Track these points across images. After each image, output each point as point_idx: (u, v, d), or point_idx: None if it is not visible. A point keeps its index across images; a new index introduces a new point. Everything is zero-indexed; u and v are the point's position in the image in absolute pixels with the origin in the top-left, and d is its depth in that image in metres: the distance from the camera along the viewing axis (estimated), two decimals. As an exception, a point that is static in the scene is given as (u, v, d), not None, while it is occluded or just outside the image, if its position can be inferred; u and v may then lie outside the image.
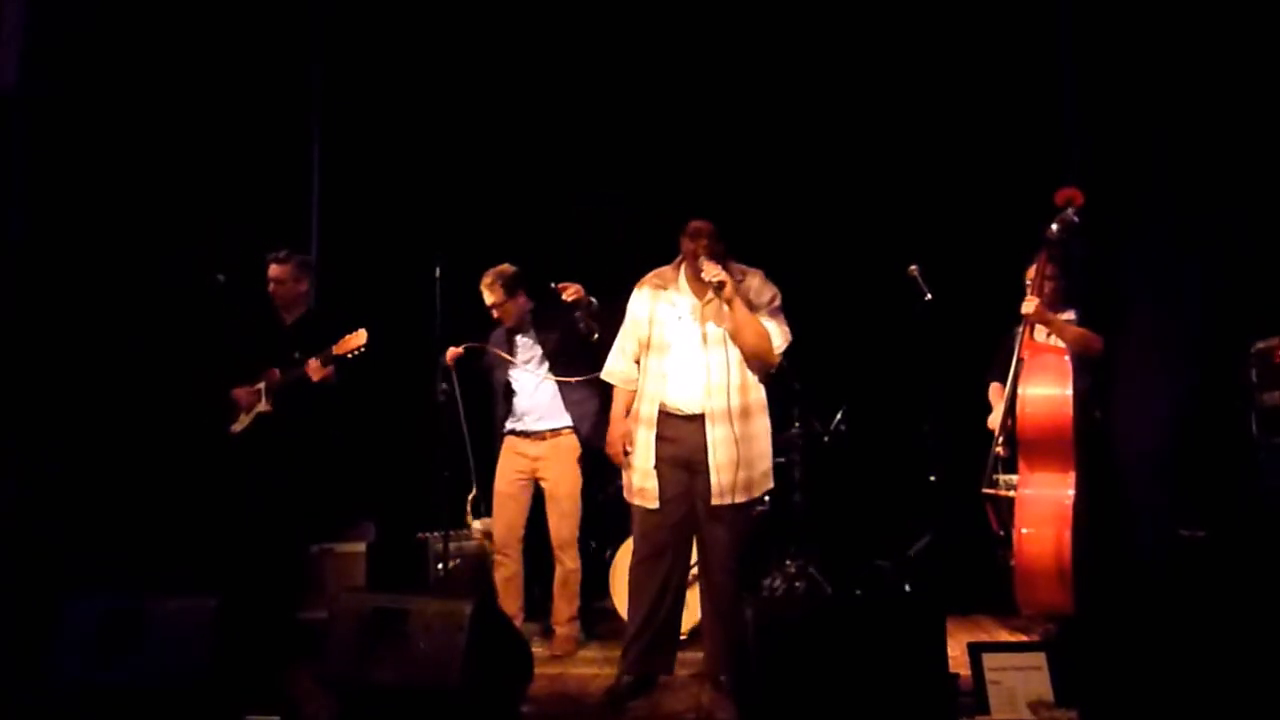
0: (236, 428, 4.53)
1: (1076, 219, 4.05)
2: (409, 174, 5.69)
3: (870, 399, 5.22)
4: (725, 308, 3.61)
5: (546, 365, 4.54)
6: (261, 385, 4.49)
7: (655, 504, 3.66)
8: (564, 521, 4.44)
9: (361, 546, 4.78)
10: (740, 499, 3.63)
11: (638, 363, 3.83)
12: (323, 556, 4.72)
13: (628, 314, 3.88)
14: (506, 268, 4.56)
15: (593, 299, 4.30)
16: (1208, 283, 3.91)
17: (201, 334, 4.68)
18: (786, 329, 3.73)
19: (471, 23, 5.57)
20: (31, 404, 4.18)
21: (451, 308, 4.67)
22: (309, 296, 4.67)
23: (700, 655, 3.90)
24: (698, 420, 3.63)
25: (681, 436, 3.66)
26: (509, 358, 4.59)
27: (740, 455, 3.62)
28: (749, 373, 3.69)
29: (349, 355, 4.28)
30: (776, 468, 5.04)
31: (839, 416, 5.07)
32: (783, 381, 5.01)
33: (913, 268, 4.57)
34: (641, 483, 3.69)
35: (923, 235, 5.09)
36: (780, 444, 5.14)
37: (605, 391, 4.13)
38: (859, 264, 5.34)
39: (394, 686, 3.01)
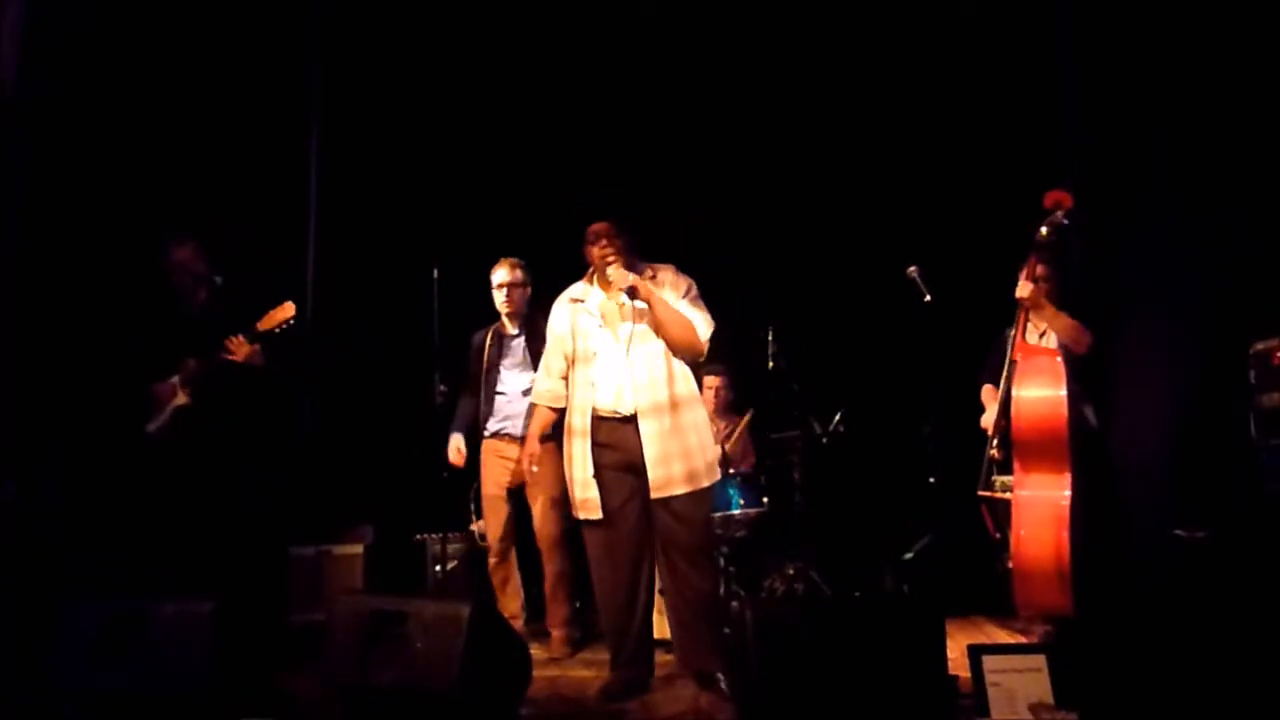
0: (152, 426, 4.23)
1: (1065, 221, 4.06)
2: (408, 174, 5.69)
3: (869, 400, 5.22)
4: (644, 307, 3.63)
5: (532, 372, 4.52)
6: (177, 379, 4.22)
7: (599, 514, 3.66)
8: (550, 523, 4.43)
9: (359, 549, 4.76)
10: (681, 490, 3.61)
11: (565, 380, 3.83)
12: (320, 559, 4.70)
13: (549, 333, 3.90)
14: (521, 260, 4.60)
15: None
16: (1207, 284, 3.90)
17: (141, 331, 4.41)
18: (708, 315, 3.73)
19: (471, 23, 5.55)
20: (31, 407, 4.16)
21: (449, 309, 4.67)
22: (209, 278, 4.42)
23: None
24: (631, 421, 3.63)
25: (617, 440, 3.65)
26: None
27: (675, 448, 3.61)
28: (675, 364, 3.70)
29: (277, 330, 4.12)
30: (776, 469, 5.10)
31: (838, 418, 5.06)
32: (781, 383, 5.01)
33: (912, 269, 4.56)
34: (583, 494, 3.69)
35: (922, 236, 5.09)
36: (779, 445, 5.16)
37: None
38: (858, 265, 5.33)
39: (393, 688, 3.01)
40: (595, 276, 3.81)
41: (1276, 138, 3.68)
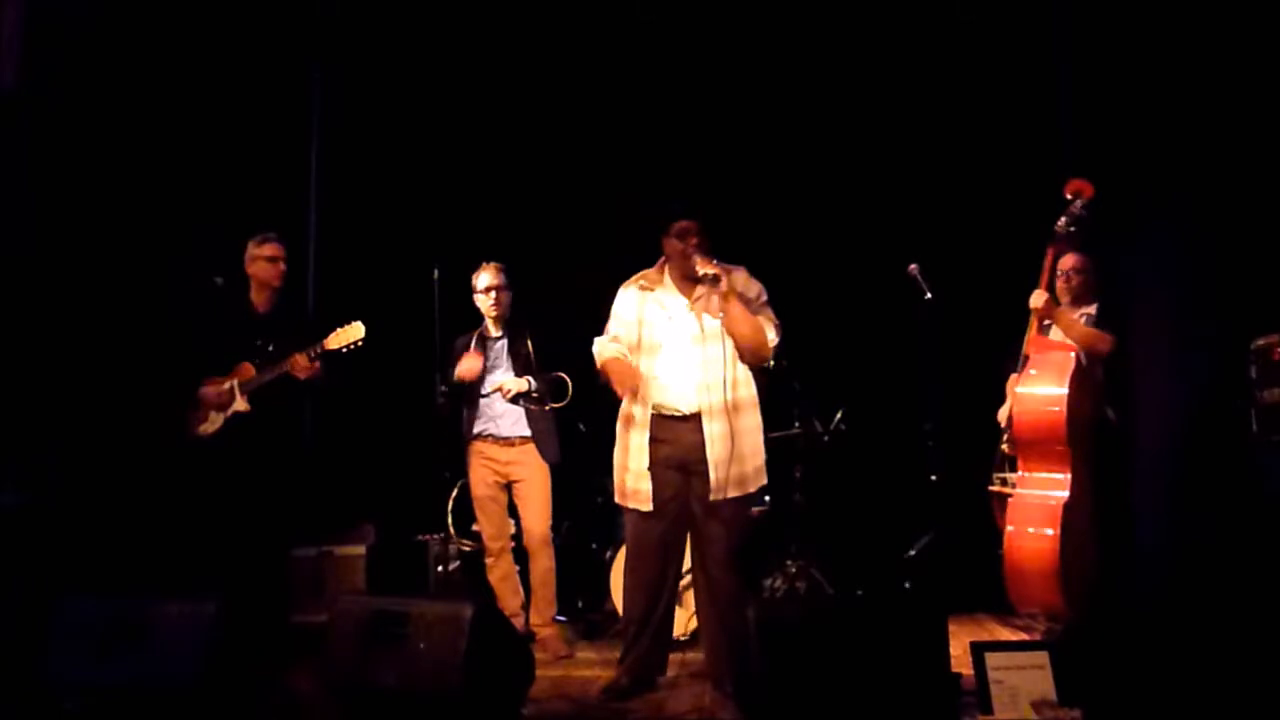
0: (208, 429, 4.19)
1: (1084, 213, 4.03)
2: (408, 175, 5.69)
3: (870, 398, 5.21)
4: (719, 302, 3.61)
5: (514, 374, 4.53)
6: (234, 383, 4.18)
7: (649, 506, 3.66)
8: (538, 519, 4.45)
9: (361, 549, 4.76)
10: (735, 494, 3.62)
11: (629, 349, 3.80)
12: (322, 559, 4.70)
13: (614, 313, 3.87)
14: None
15: (528, 382, 4.44)
16: (1207, 279, 3.90)
17: (185, 333, 4.41)
18: (777, 321, 3.74)
19: (472, 24, 5.56)
20: (31, 406, 4.16)
21: (450, 310, 4.66)
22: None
23: (700, 655, 3.90)
24: (693, 419, 3.64)
25: (676, 438, 3.66)
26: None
27: (736, 450, 3.62)
28: (741, 368, 3.70)
29: (344, 350, 4.09)
30: (776, 467, 5.08)
31: (839, 416, 5.06)
32: (783, 381, 5.01)
33: (912, 266, 4.56)
34: (635, 485, 3.69)
35: (923, 234, 5.08)
36: (780, 444, 5.15)
37: (563, 419, 4.46)
38: (859, 263, 5.33)
39: (395, 689, 3.01)
40: (667, 269, 3.79)
41: (1276, 135, 3.67)
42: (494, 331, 4.61)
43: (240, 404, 4.17)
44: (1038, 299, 4.08)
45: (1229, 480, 3.71)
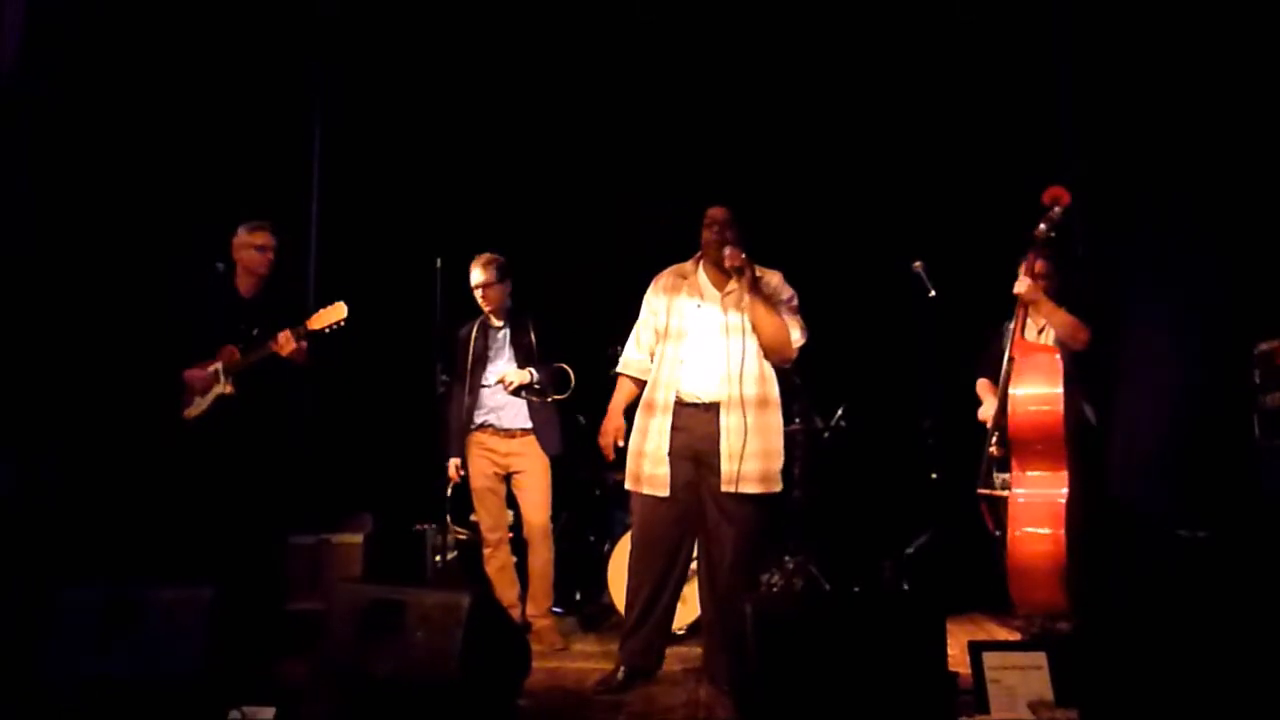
0: (192, 412, 4.12)
1: (1063, 219, 4.05)
2: (411, 165, 5.68)
3: (871, 396, 5.21)
4: (745, 296, 3.62)
5: (516, 365, 4.53)
6: (218, 365, 4.10)
7: (666, 492, 3.65)
8: (537, 511, 4.45)
9: (359, 538, 4.75)
10: (750, 490, 3.60)
11: (652, 356, 3.84)
12: (320, 547, 4.69)
13: (644, 305, 3.90)
14: (498, 256, 4.56)
15: (530, 374, 4.45)
16: (1211, 284, 3.90)
17: (176, 319, 4.33)
18: (804, 327, 3.75)
19: (471, 16, 5.54)
20: (29, 399, 4.15)
21: (451, 300, 4.66)
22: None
23: (698, 650, 3.89)
24: (712, 410, 3.64)
25: (694, 426, 3.65)
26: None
27: (754, 446, 3.61)
28: (766, 365, 3.72)
29: (327, 330, 4.03)
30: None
31: (839, 413, 5.06)
32: (783, 377, 5.00)
33: (917, 264, 4.56)
34: (653, 469, 3.68)
35: (927, 232, 5.07)
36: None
37: (564, 410, 4.46)
38: (863, 260, 5.33)
39: (391, 679, 3.00)
40: (703, 261, 3.82)
41: (1278, 135, 3.67)
42: (496, 322, 4.61)
43: (225, 386, 4.11)
44: (1022, 285, 4.10)
45: (1231, 484, 3.71)
